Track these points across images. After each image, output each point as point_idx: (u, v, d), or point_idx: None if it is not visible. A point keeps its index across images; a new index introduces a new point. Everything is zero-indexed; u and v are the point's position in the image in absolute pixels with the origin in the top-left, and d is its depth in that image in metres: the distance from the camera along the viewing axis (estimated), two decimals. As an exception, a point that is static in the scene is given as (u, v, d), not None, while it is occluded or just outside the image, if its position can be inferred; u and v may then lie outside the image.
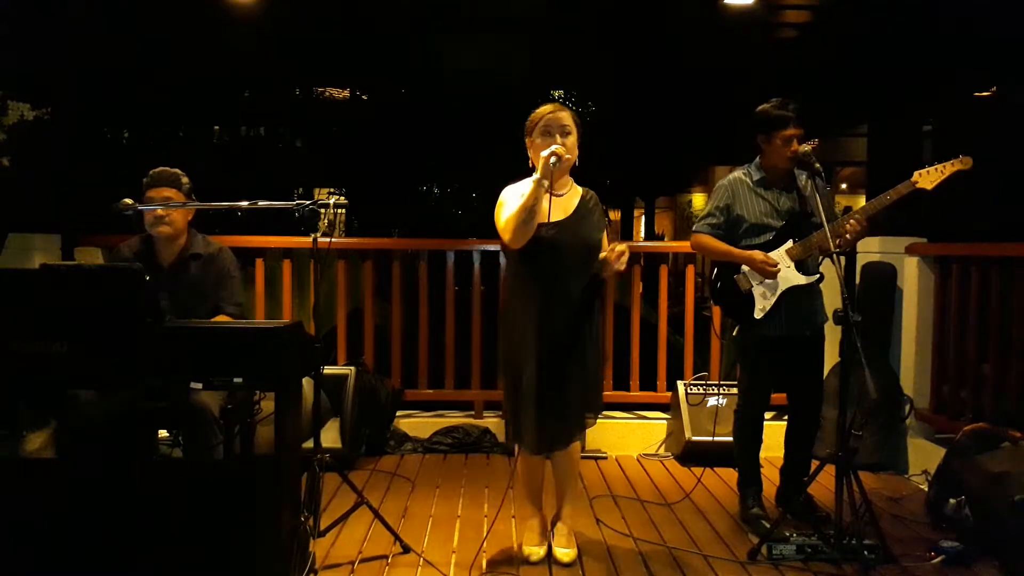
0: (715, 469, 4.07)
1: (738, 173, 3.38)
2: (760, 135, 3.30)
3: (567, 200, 2.92)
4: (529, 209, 2.73)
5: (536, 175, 2.75)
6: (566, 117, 2.87)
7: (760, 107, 3.31)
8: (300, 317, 2.96)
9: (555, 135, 2.84)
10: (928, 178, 3.06)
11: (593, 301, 2.91)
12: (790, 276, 3.23)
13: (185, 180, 3.17)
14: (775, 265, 3.21)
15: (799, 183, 3.30)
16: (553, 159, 2.73)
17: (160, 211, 3.08)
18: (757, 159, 3.36)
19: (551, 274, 2.82)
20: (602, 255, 2.85)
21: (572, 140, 2.86)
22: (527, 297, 2.86)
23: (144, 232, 3.20)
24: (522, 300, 2.88)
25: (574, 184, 2.98)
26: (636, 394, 4.65)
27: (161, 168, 3.17)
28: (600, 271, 2.87)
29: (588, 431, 3.73)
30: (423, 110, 15.17)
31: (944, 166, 3.05)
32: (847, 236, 3.12)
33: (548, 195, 2.86)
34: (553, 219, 2.83)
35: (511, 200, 2.85)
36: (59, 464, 2.95)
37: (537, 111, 2.91)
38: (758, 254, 3.23)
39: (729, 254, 3.30)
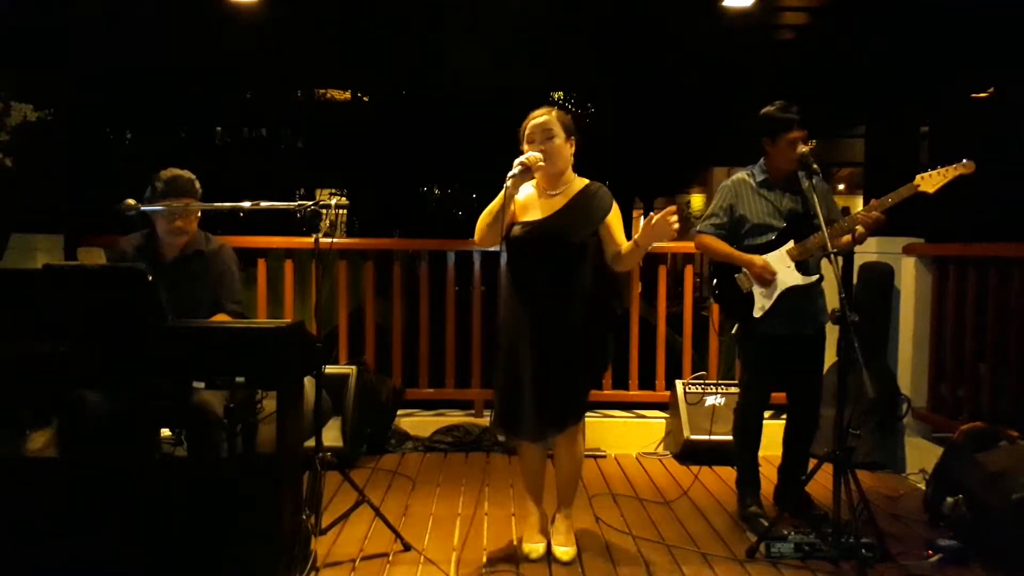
0: (713, 468, 4.09)
1: (742, 174, 3.41)
2: (765, 138, 3.32)
3: (557, 200, 2.95)
4: (494, 214, 2.87)
5: (506, 183, 2.83)
6: (550, 121, 2.90)
7: (764, 110, 3.34)
8: (302, 317, 2.98)
9: (538, 142, 2.89)
10: (930, 181, 3.06)
11: (583, 294, 2.89)
12: (790, 276, 3.25)
13: (198, 186, 3.14)
14: (773, 275, 3.24)
15: (803, 185, 3.31)
16: (517, 169, 2.80)
17: (180, 224, 3.10)
18: (761, 161, 3.39)
19: (527, 271, 2.89)
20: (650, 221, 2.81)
21: (557, 144, 2.90)
22: (510, 294, 2.93)
23: (146, 228, 3.21)
24: (507, 296, 2.94)
25: (577, 181, 2.99)
26: (635, 393, 4.67)
27: (174, 174, 3.12)
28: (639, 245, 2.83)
29: (588, 432, 3.74)
30: (423, 111, 15.20)
31: (947, 170, 3.04)
32: (865, 227, 3.15)
33: (543, 197, 2.96)
34: (532, 218, 2.92)
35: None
36: (61, 464, 2.96)
37: (528, 117, 2.95)
38: (758, 259, 3.26)
39: (730, 256, 3.33)
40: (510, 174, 2.81)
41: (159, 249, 3.18)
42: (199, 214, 3.19)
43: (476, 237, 2.95)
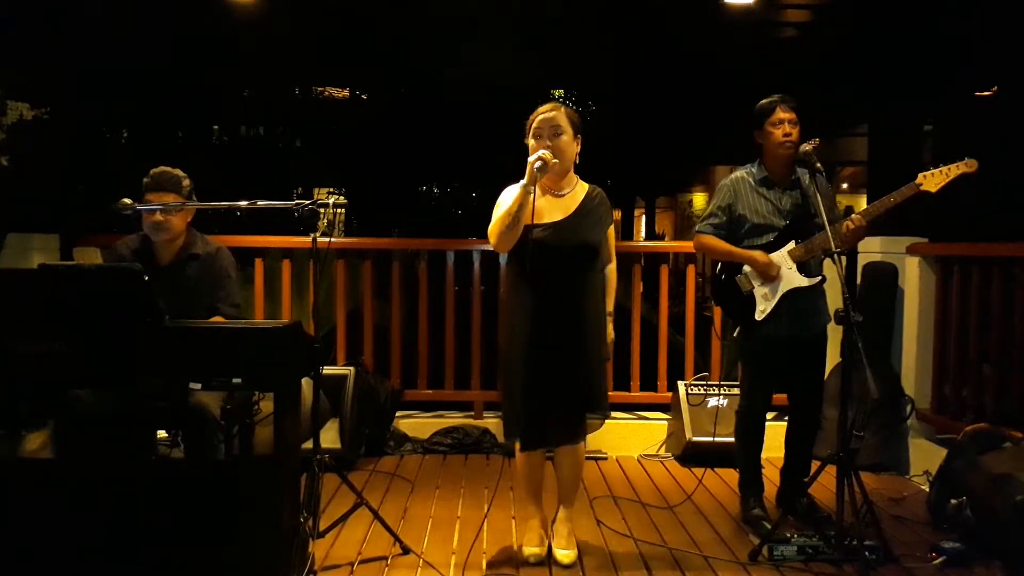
0: (716, 470, 4.06)
1: (740, 172, 3.37)
2: (755, 130, 3.30)
3: (568, 200, 2.92)
4: (514, 215, 2.78)
5: (523, 180, 2.78)
6: (559, 117, 2.87)
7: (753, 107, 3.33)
8: (299, 317, 2.95)
9: (545, 137, 2.85)
10: (932, 180, 3.04)
11: (594, 300, 2.90)
12: (792, 278, 3.22)
13: (187, 183, 3.11)
14: (777, 270, 3.20)
15: (803, 183, 3.28)
16: (538, 164, 2.76)
17: (159, 217, 3.06)
18: (758, 159, 3.35)
19: (544, 275, 2.83)
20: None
21: (565, 140, 2.86)
22: (522, 297, 2.88)
23: (143, 231, 3.18)
24: (517, 299, 2.90)
25: (580, 182, 2.98)
26: (637, 394, 4.64)
27: (162, 169, 3.11)
28: None
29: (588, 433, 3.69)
30: (423, 110, 15.19)
31: (949, 168, 3.02)
32: (847, 236, 3.12)
33: (548, 196, 2.91)
34: (550, 219, 2.87)
35: (503, 204, 2.89)
36: (58, 464, 2.94)
37: (535, 112, 2.91)
38: (761, 255, 3.22)
39: (731, 254, 3.29)
40: (536, 167, 2.74)
41: (155, 251, 3.16)
42: (186, 214, 3.15)
43: (492, 241, 2.87)
